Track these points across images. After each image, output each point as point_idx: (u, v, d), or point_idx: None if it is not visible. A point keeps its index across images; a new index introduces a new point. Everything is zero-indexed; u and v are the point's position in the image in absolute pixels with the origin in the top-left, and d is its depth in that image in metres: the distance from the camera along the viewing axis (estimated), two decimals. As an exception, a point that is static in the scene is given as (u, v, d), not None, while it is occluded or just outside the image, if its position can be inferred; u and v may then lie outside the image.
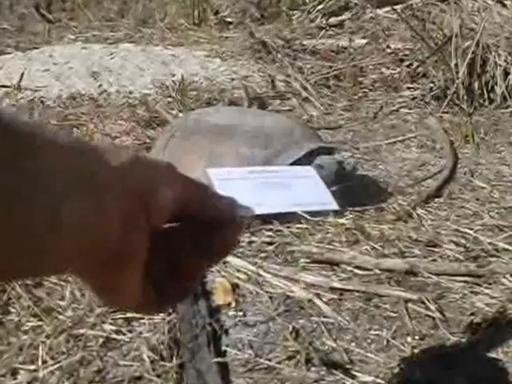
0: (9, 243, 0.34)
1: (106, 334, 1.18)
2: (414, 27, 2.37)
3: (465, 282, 1.24)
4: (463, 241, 1.37)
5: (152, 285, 0.45)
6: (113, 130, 2.02)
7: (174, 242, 0.45)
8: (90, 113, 2.14)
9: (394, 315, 1.17)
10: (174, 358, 1.11)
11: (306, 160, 1.44)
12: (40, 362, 1.12)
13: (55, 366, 1.12)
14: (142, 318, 1.21)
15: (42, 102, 2.20)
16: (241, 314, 1.20)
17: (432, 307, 1.16)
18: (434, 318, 1.14)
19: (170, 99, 2.18)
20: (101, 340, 1.17)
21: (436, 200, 1.58)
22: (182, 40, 2.78)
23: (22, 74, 2.23)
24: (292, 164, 1.42)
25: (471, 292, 1.21)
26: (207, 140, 1.46)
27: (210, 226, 0.45)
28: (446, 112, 2.14)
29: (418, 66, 2.30)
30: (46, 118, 2.08)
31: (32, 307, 1.23)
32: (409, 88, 2.30)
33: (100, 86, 2.27)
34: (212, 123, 1.50)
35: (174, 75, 2.34)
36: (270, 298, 1.23)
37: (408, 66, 2.37)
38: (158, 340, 1.14)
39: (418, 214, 1.50)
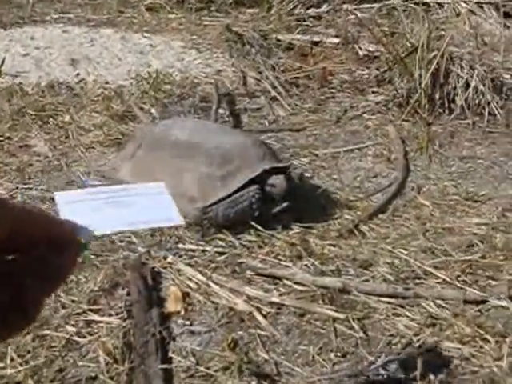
0: None
1: (68, 335, 1.36)
2: (385, 31, 2.52)
3: (389, 303, 1.42)
4: (396, 261, 1.55)
5: None
6: (87, 123, 2.17)
7: (9, 270, 0.47)
8: (67, 103, 2.28)
9: (323, 332, 1.36)
10: (126, 362, 1.30)
11: (259, 179, 1.61)
12: (8, 360, 1.31)
13: (22, 365, 1.30)
14: (100, 322, 1.39)
15: (21, 88, 2.33)
16: (188, 322, 1.39)
17: (356, 326, 1.35)
18: (353, 336, 1.33)
19: (144, 93, 2.33)
20: (63, 341, 1.35)
21: (380, 216, 1.76)
22: (162, 26, 2.90)
23: (3, 60, 2.36)
24: (247, 182, 1.59)
25: (394, 314, 1.40)
26: (171, 156, 1.63)
27: (52, 250, 0.48)
28: (407, 120, 2.30)
29: (385, 71, 2.46)
30: (24, 106, 2.22)
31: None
32: (374, 92, 2.45)
33: (78, 74, 2.41)
34: (177, 139, 1.67)
35: (150, 66, 2.48)
36: (216, 308, 1.42)
37: (377, 69, 2.53)
38: (114, 344, 1.33)
39: (360, 231, 1.68)
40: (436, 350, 1.31)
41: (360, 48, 2.64)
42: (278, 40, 2.74)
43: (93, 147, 2.06)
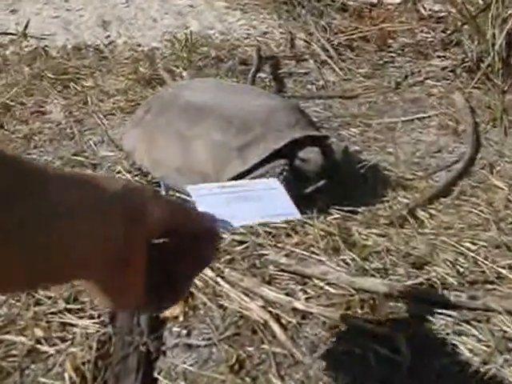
0: (41, 262, 0.41)
1: (33, 342, 1.01)
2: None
3: (450, 316, 1.00)
4: (461, 260, 1.13)
5: (150, 290, 0.51)
6: (110, 88, 1.81)
7: (165, 253, 0.52)
8: (92, 66, 1.94)
9: (359, 353, 0.96)
10: (97, 383, 0.93)
11: (289, 151, 1.20)
12: (-50, 373, 0.97)
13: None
14: (76, 326, 1.03)
15: (45, 51, 2.00)
16: (185, 332, 1.01)
17: (404, 348, 0.94)
18: (399, 363, 0.92)
19: (176, 55, 1.95)
20: (26, 349, 1.00)
21: (442, 200, 1.34)
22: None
23: (28, 22, 2.02)
24: (271, 155, 1.19)
25: (455, 332, 0.98)
26: (180, 121, 1.24)
27: (194, 238, 0.53)
28: (477, 88, 1.85)
29: (451, 33, 2.00)
30: (43, 70, 1.88)
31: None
32: (439, 57, 2.00)
33: (108, 36, 2.06)
34: (188, 101, 1.28)
35: (187, 28, 2.10)
36: (223, 315, 1.03)
37: (443, 32, 2.07)
38: (84, 358, 0.97)
39: (416, 218, 1.26)
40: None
41: (423, 7, 2.18)
42: (332, 0, 2.31)
43: (113, 113, 1.70)
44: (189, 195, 0.61)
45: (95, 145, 1.57)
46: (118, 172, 1.41)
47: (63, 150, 1.56)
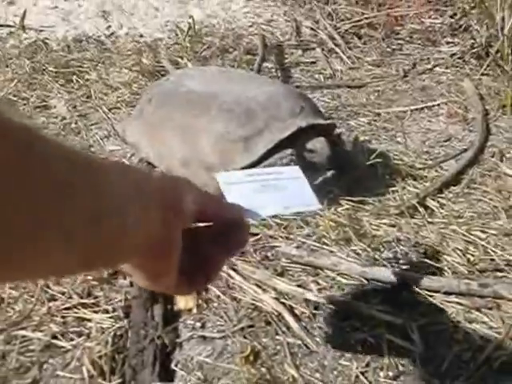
0: (99, 247, 0.44)
1: (49, 337, 1.07)
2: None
3: (461, 304, 1.06)
4: (471, 248, 1.19)
5: (183, 273, 0.56)
6: (114, 81, 1.87)
7: (197, 240, 0.58)
8: (94, 59, 1.99)
9: (372, 341, 1.02)
10: (115, 376, 1.00)
11: (295, 140, 1.26)
12: (-29, 368, 1.03)
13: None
14: (92, 320, 1.09)
15: (45, 44, 2.05)
16: (199, 325, 1.07)
17: (416, 337, 1.00)
18: (412, 352, 0.98)
19: (180, 46, 2.00)
20: (43, 344, 1.06)
21: (452, 189, 1.39)
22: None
23: (25, 13, 2.07)
24: (277, 145, 1.24)
25: (466, 319, 1.04)
26: (182, 112, 1.29)
27: (224, 227, 0.58)
28: (486, 74, 1.90)
29: (460, 18, 2.05)
30: (45, 63, 1.94)
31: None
32: (448, 43, 2.05)
33: (109, 27, 2.11)
34: (190, 90, 1.33)
35: (190, 17, 2.15)
36: (236, 307, 1.09)
37: (451, 17, 2.12)
38: (101, 351, 1.03)
39: (426, 207, 1.31)
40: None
41: (433, -8, 2.23)
42: (338, -14, 2.36)
43: (118, 107, 1.76)
44: (217, 183, 0.64)
45: (102, 139, 1.63)
46: (126, 166, 1.47)
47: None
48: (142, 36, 2.10)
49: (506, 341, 1.00)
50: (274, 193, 0.63)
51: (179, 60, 1.94)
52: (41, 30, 2.11)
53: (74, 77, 1.90)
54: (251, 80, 1.41)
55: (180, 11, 2.19)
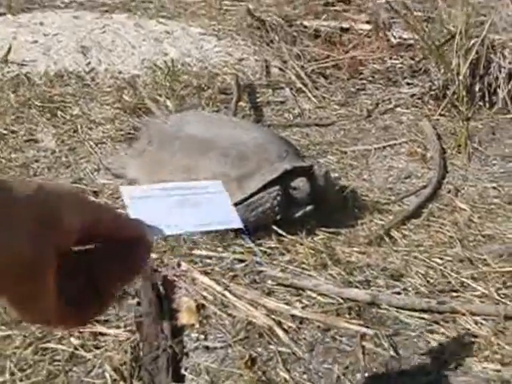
0: None
1: (72, 348, 1.34)
2: (420, 17, 2.47)
3: (422, 318, 1.38)
4: (431, 272, 1.51)
5: (71, 303, 0.53)
6: (97, 117, 2.15)
7: (89, 261, 0.55)
8: (76, 94, 2.27)
9: (349, 349, 1.32)
10: (135, 379, 1.27)
11: (280, 179, 1.57)
12: (8, 375, 1.29)
13: (23, 379, 1.28)
14: (107, 335, 1.37)
15: (28, 78, 2.32)
16: (202, 337, 1.36)
17: (386, 344, 1.31)
18: (382, 356, 1.29)
19: (159, 84, 2.30)
20: (67, 354, 1.33)
21: (413, 221, 1.72)
22: (180, 10, 2.87)
23: (10, 48, 2.34)
24: (267, 184, 1.56)
25: (427, 330, 1.36)
26: (182, 153, 1.60)
27: (122, 245, 0.55)
28: (443, 115, 2.25)
29: (419, 61, 2.40)
30: (30, 98, 2.20)
31: (2, 315, 1.39)
32: (408, 84, 2.40)
33: (89, 63, 2.39)
34: (189, 134, 1.64)
35: (166, 54, 2.45)
36: (233, 322, 1.38)
37: (411, 59, 2.48)
38: (121, 360, 1.30)
39: (391, 237, 1.64)
40: (474, 372, 1.27)
41: (393, 35, 2.59)
42: (304, 26, 2.70)
43: (103, 142, 2.04)
44: (120, 197, 0.63)
45: (92, 173, 1.90)
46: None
47: (62, 178, 1.88)
48: (120, 73, 2.38)
49: (459, 348, 1.32)
50: (190, 208, 0.62)
51: (158, 98, 2.23)
52: (23, 64, 2.37)
53: (59, 111, 2.17)
54: (240, 126, 1.73)
55: (156, 49, 2.49)
